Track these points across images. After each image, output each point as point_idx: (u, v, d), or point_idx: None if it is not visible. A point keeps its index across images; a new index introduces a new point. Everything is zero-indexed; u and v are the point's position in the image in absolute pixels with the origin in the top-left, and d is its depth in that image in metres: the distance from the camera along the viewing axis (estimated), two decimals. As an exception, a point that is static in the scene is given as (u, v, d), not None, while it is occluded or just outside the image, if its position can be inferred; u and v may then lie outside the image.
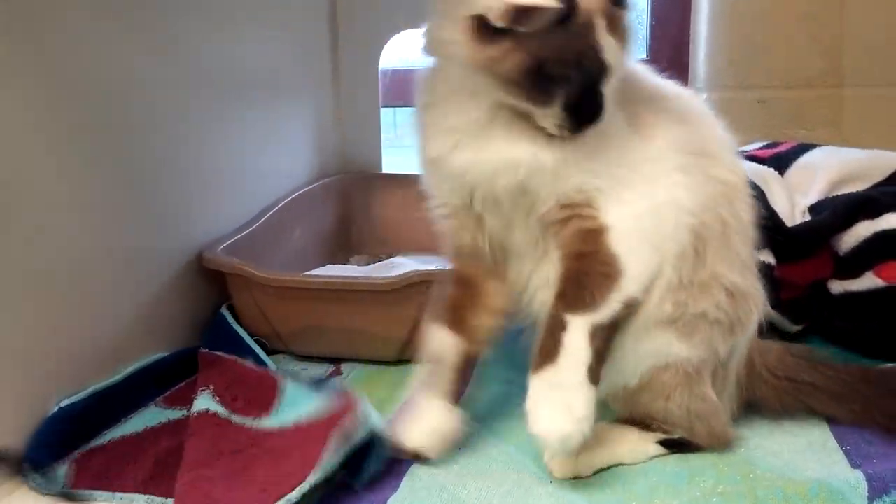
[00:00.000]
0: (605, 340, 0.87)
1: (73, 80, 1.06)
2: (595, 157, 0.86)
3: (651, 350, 0.91)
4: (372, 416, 0.95)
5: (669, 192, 0.88)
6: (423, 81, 0.93)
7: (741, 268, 0.93)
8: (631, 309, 0.88)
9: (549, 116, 0.82)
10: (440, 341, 0.99)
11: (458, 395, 1.00)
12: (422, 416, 0.98)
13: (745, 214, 0.95)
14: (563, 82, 0.80)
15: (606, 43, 0.79)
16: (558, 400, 0.85)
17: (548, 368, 0.86)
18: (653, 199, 0.88)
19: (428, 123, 0.92)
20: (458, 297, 1.00)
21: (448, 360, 0.99)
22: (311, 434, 0.95)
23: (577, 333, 0.86)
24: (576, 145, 0.84)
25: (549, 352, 0.86)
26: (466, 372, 1.02)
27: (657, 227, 0.88)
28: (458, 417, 0.99)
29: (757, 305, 0.96)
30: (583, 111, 0.81)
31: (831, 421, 1.02)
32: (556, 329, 0.87)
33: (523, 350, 0.97)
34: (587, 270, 0.87)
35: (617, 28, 0.81)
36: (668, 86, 0.97)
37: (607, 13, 0.80)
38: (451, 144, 0.88)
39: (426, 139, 0.92)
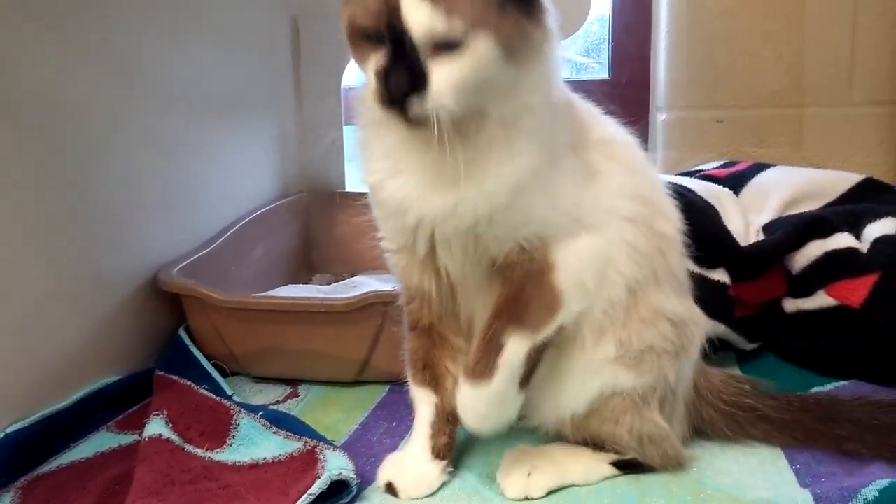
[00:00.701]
0: (536, 358, 0.90)
1: (22, 97, 1.05)
2: (555, 203, 0.87)
3: (598, 384, 0.92)
4: (334, 462, 0.94)
5: (616, 238, 0.90)
6: (363, 96, 0.86)
7: (679, 295, 0.95)
8: (560, 333, 0.91)
9: (369, 86, 0.78)
10: (415, 397, 1.00)
11: (444, 447, 0.98)
12: (403, 457, 0.99)
13: (676, 264, 0.97)
14: (372, 43, 0.77)
15: (410, 5, 0.73)
16: (493, 408, 0.89)
17: (484, 383, 0.88)
18: (600, 244, 0.89)
19: (367, 144, 0.90)
20: (422, 350, 0.99)
21: (423, 415, 0.98)
22: (270, 480, 0.94)
23: (516, 353, 0.88)
24: (535, 189, 0.84)
25: (486, 367, 0.88)
26: (450, 417, 0.98)
27: (599, 269, 0.90)
28: (437, 468, 0.97)
29: (699, 330, 0.97)
30: (389, 79, 0.75)
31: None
32: (494, 346, 0.88)
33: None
34: (531, 299, 0.88)
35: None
36: (613, 128, 0.97)
37: None
38: (390, 169, 0.87)
39: (366, 162, 0.90)
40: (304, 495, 0.88)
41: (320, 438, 1.02)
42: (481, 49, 0.75)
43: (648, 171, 0.98)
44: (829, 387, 1.16)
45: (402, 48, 0.74)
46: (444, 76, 0.75)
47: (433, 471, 0.96)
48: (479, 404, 0.89)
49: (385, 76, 0.76)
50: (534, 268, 0.88)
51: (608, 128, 0.96)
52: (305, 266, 1.87)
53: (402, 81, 0.75)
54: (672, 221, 0.96)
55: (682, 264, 0.98)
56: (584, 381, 0.92)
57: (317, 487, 0.89)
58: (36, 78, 1.07)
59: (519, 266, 0.89)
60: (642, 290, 0.91)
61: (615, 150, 0.94)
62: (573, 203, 0.88)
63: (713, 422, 1.02)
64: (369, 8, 0.76)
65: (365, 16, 0.77)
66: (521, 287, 0.89)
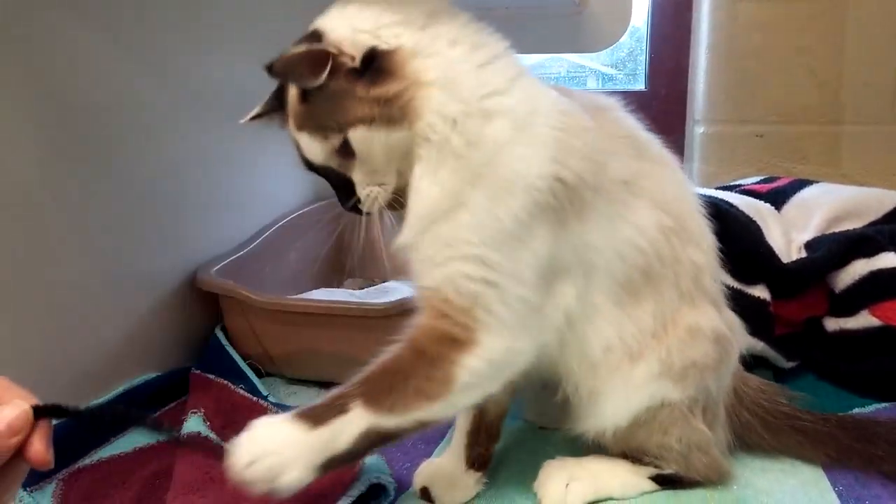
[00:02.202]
0: (375, 443, 0.78)
1: (68, 100, 1.06)
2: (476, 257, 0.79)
3: (644, 398, 0.90)
4: (372, 466, 0.94)
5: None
6: None
7: (716, 307, 0.93)
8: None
9: None
10: None
11: (480, 458, 0.96)
12: (439, 463, 0.98)
13: (710, 284, 0.93)
14: None
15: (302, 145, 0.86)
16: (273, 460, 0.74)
17: (308, 429, 0.75)
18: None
19: None
20: None
21: (461, 424, 0.97)
22: None
23: (354, 426, 0.75)
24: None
25: (319, 416, 0.75)
26: (488, 431, 0.97)
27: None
28: (472, 478, 0.96)
29: (738, 338, 0.96)
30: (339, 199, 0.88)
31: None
32: (337, 403, 0.76)
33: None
34: (410, 374, 0.78)
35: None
36: (636, 152, 0.91)
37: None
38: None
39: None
40: (343, 497, 0.88)
41: None
42: (361, 141, 0.79)
43: (678, 198, 0.91)
44: (871, 408, 1.14)
45: (327, 174, 0.86)
46: (358, 180, 0.83)
47: (468, 480, 0.96)
48: (265, 442, 0.74)
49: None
50: (440, 333, 0.78)
51: (629, 155, 0.89)
52: (337, 271, 1.87)
53: (344, 200, 0.86)
54: (702, 247, 0.92)
55: (717, 281, 0.95)
56: (628, 398, 0.89)
57: (355, 490, 0.89)
58: (84, 81, 1.09)
59: (428, 323, 0.80)
60: (673, 314, 0.89)
61: (642, 184, 0.88)
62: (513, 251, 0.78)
63: (750, 427, 1.00)
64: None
65: None
66: (412, 350, 0.79)
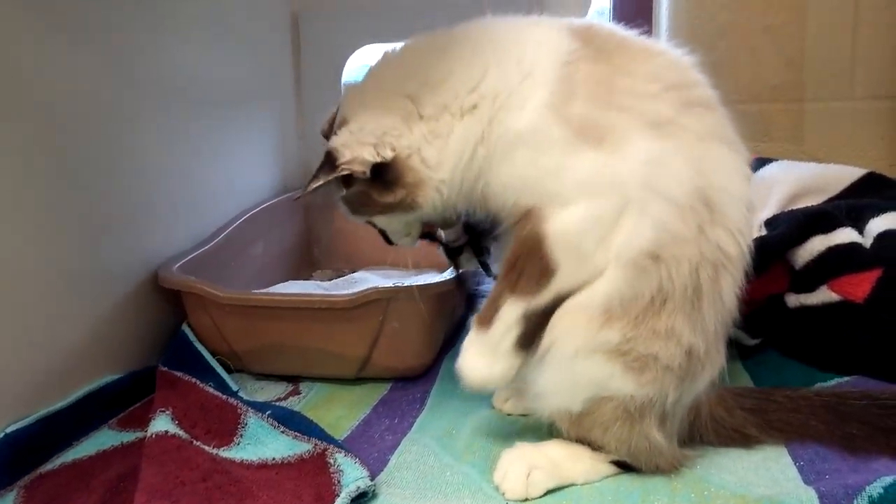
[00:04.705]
0: (535, 321, 0.93)
1: (23, 95, 1.04)
2: (532, 167, 0.91)
3: (591, 377, 0.90)
4: (349, 473, 0.94)
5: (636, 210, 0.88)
6: None
7: (705, 335, 0.90)
8: (563, 298, 0.92)
9: None
10: None
11: None
12: None
13: (728, 291, 0.92)
14: None
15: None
16: (485, 358, 0.95)
17: (483, 331, 0.95)
18: (601, 210, 0.88)
19: None
20: None
21: None
22: (281, 481, 0.94)
23: (512, 313, 0.93)
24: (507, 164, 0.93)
25: (488, 318, 0.95)
26: None
27: (601, 236, 0.88)
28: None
29: (714, 368, 0.94)
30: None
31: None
32: (496, 305, 0.94)
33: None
34: (524, 267, 0.92)
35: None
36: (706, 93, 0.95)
37: None
38: None
39: None
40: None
41: (329, 439, 1.02)
42: (382, 223, 1.08)
43: (724, 173, 0.90)
44: (833, 382, 1.15)
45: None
46: (390, 234, 1.12)
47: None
48: (477, 351, 0.96)
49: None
50: (527, 234, 0.91)
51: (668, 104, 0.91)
52: (306, 262, 1.87)
53: (387, 241, 1.14)
54: (736, 239, 0.90)
55: (734, 293, 0.93)
56: (574, 367, 0.90)
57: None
58: (34, 75, 1.07)
59: (518, 229, 0.92)
60: (670, 304, 0.88)
61: (672, 132, 0.89)
62: (556, 169, 0.89)
63: (711, 442, 1.00)
64: None
65: None
66: (518, 253, 0.92)
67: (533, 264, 0.90)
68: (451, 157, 0.95)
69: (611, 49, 0.94)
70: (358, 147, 0.95)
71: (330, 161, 0.97)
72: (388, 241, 1.12)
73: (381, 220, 1.06)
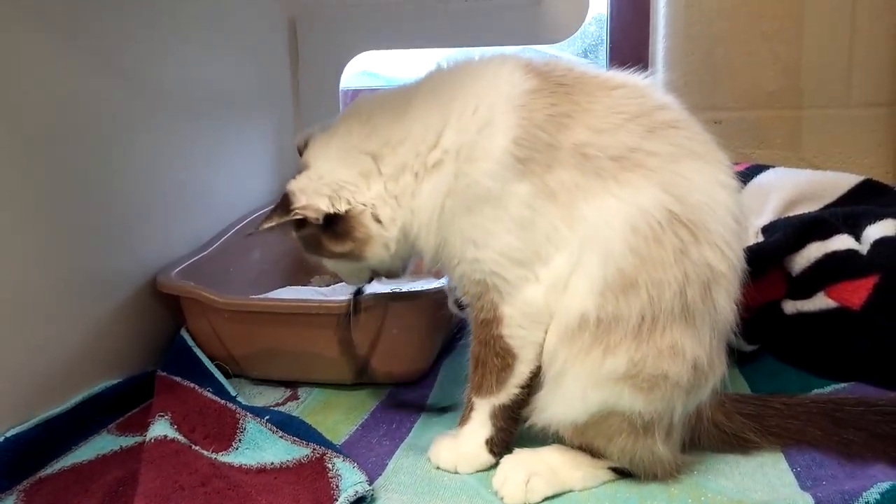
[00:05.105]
0: (508, 416, 0.99)
1: (22, 100, 1.05)
2: (480, 243, 0.94)
3: (600, 399, 0.90)
4: (347, 478, 0.94)
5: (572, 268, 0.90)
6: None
7: (704, 347, 0.90)
8: (534, 380, 0.97)
9: None
10: None
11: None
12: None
13: (723, 303, 0.91)
14: None
15: None
16: (453, 457, 1.00)
17: (456, 434, 1.01)
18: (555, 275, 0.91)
19: None
20: None
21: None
22: (280, 486, 0.94)
23: (481, 414, 0.99)
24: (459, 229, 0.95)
25: (462, 419, 1.02)
26: None
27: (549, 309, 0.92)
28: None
29: (716, 376, 0.94)
30: None
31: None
32: (468, 404, 1.01)
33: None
34: (485, 359, 0.98)
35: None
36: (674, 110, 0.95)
37: None
38: None
39: None
40: None
41: (327, 444, 1.02)
42: (333, 265, 1.13)
43: (703, 192, 0.89)
44: (829, 389, 1.16)
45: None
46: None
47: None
48: (446, 451, 1.01)
49: None
50: (482, 318, 0.97)
51: (634, 133, 0.90)
52: (304, 267, 1.86)
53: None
54: (724, 253, 0.88)
55: (730, 304, 0.92)
56: (585, 392, 0.89)
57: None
58: (35, 81, 1.07)
59: (475, 313, 0.98)
60: (660, 323, 0.87)
61: (637, 161, 0.88)
62: (507, 243, 0.92)
63: (711, 447, 1.01)
64: None
65: None
66: (478, 342, 0.99)
67: (491, 355, 0.97)
68: (414, 213, 0.99)
69: (568, 85, 0.94)
70: (314, 195, 0.99)
71: (285, 204, 1.01)
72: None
73: (331, 264, 1.11)
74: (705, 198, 0.89)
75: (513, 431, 1.00)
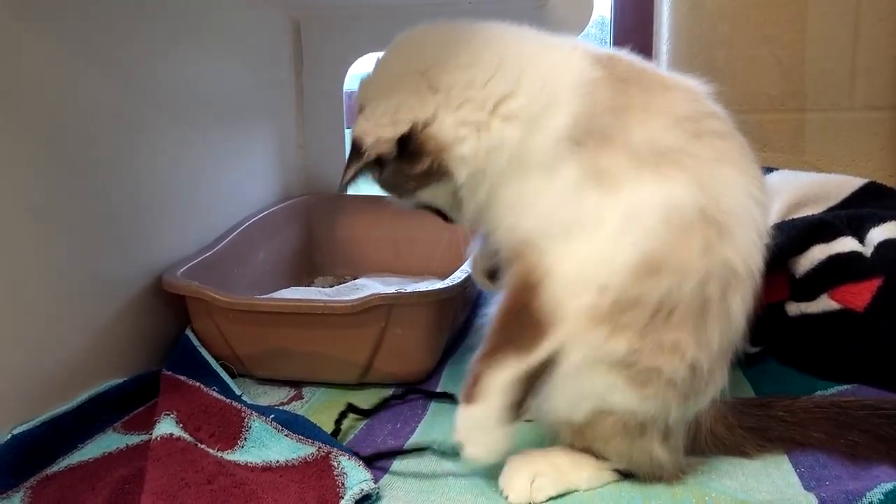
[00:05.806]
0: (528, 383, 0.92)
1: (26, 102, 1.05)
2: (525, 205, 0.93)
3: (593, 388, 0.90)
4: (353, 476, 0.94)
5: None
6: None
7: (709, 353, 0.90)
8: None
9: None
10: None
11: None
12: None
13: (737, 309, 0.91)
14: None
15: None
16: (478, 435, 0.94)
17: (470, 407, 0.93)
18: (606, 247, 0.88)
19: None
20: None
21: None
22: (286, 484, 0.95)
23: (499, 380, 0.91)
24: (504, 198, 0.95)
25: (473, 392, 0.92)
26: None
27: (604, 281, 0.88)
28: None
29: (716, 387, 0.94)
30: None
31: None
32: (483, 369, 0.92)
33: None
34: (517, 321, 0.91)
35: None
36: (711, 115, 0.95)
37: None
38: None
39: None
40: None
41: (332, 442, 1.03)
42: (427, 196, 1.04)
43: (734, 197, 0.90)
44: (833, 390, 1.16)
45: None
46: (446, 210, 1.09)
47: None
48: (469, 432, 0.94)
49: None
50: (520, 282, 0.91)
51: (678, 132, 0.91)
52: (307, 268, 1.87)
53: (444, 218, 1.11)
54: (744, 258, 0.89)
55: (743, 312, 0.92)
56: (578, 380, 0.90)
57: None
58: (38, 84, 1.07)
59: (512, 276, 0.92)
60: (677, 316, 0.87)
61: (678, 160, 0.89)
62: (550, 213, 0.90)
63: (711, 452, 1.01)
64: None
65: None
66: (511, 303, 0.92)
67: (523, 319, 0.90)
68: (480, 143, 0.95)
69: (629, 80, 0.95)
70: (377, 130, 0.97)
71: (356, 149, 0.99)
72: (447, 218, 1.10)
73: (426, 195, 1.03)
74: (736, 206, 0.90)
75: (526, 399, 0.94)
